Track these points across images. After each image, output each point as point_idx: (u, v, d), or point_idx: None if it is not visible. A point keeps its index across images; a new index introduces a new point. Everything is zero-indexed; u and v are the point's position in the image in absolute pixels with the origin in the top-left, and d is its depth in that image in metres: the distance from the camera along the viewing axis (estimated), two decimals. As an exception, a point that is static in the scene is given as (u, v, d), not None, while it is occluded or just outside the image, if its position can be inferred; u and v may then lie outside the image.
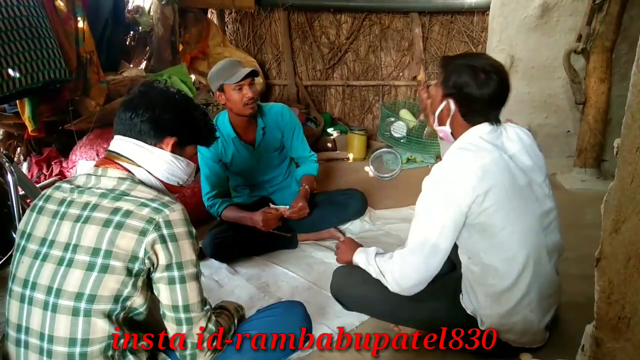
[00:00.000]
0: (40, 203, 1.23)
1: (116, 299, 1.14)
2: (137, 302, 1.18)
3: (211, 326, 1.25)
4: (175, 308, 1.19)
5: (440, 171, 1.49)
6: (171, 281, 1.18)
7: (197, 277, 1.23)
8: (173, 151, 1.32)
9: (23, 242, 1.20)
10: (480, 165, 1.43)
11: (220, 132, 2.55)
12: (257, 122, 2.58)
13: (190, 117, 1.35)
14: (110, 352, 1.15)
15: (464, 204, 1.43)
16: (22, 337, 1.15)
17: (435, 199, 1.47)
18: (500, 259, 1.49)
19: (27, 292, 1.15)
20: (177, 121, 1.31)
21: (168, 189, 1.35)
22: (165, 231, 1.15)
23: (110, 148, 1.31)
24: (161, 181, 1.32)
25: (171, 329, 1.22)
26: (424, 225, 1.49)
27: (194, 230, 1.23)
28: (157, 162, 1.29)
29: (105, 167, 1.25)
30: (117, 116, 1.31)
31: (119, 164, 1.27)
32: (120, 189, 1.21)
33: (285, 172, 2.82)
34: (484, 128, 1.52)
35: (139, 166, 1.28)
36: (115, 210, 1.15)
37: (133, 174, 1.27)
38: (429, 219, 1.48)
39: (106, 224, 1.14)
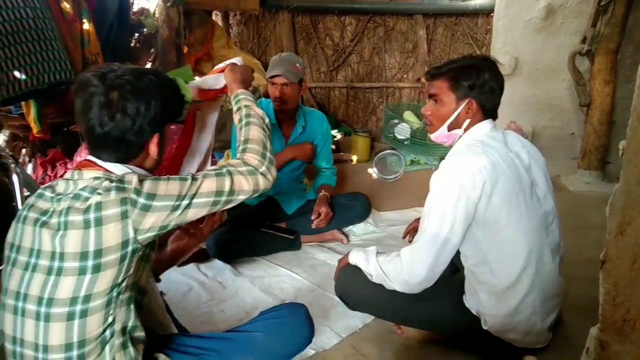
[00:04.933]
0: (25, 213, 1.19)
1: (112, 287, 1.12)
2: (131, 279, 1.16)
3: (259, 170, 1.27)
4: (218, 194, 1.21)
5: (449, 167, 1.51)
6: (187, 207, 1.17)
7: (201, 185, 1.19)
8: (159, 142, 1.26)
9: (13, 255, 1.17)
10: (489, 160, 1.47)
11: None
12: (297, 120, 2.67)
13: (164, 100, 1.24)
14: (107, 341, 1.13)
15: (475, 196, 1.45)
16: (17, 349, 1.14)
17: (446, 194, 1.48)
18: (503, 255, 1.50)
19: (20, 304, 1.13)
20: (156, 117, 1.22)
21: None
22: (141, 199, 1.12)
23: (97, 163, 1.22)
24: None
25: None
26: (435, 220, 1.49)
27: (153, 177, 1.20)
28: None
29: (81, 169, 1.20)
30: (95, 139, 1.20)
31: (98, 165, 1.21)
32: (90, 185, 1.14)
33: (298, 177, 2.89)
34: (486, 125, 1.59)
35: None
36: (87, 209, 1.11)
37: (110, 172, 1.20)
38: (440, 214, 1.48)
39: (86, 225, 1.10)
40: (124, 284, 1.14)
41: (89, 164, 1.22)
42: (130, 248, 1.12)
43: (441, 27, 4.81)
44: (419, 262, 1.50)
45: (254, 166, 1.28)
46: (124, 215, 1.11)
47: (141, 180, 1.15)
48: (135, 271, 1.17)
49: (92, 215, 1.10)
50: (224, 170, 1.24)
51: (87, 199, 1.12)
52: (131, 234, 1.11)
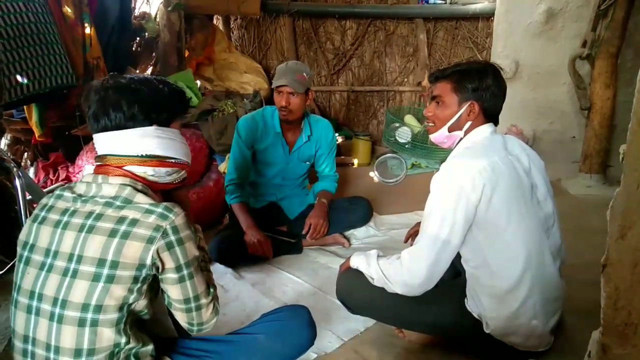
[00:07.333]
0: (43, 213, 1.21)
1: (121, 307, 1.14)
2: (141, 304, 1.19)
3: (217, 305, 1.32)
4: (186, 301, 1.23)
5: (450, 169, 1.52)
6: (181, 280, 1.21)
7: (200, 267, 1.26)
8: None
9: (26, 253, 1.19)
10: (489, 162, 1.47)
11: (265, 122, 2.61)
12: (303, 128, 2.65)
13: (160, 96, 1.29)
14: (114, 355, 1.15)
15: (474, 198, 1.45)
16: (29, 347, 1.16)
17: (446, 196, 1.48)
18: (503, 258, 1.51)
19: (34, 304, 1.15)
20: (150, 108, 1.25)
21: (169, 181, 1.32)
22: (172, 237, 1.16)
23: (99, 152, 1.27)
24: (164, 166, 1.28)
25: (181, 317, 1.27)
26: (435, 222, 1.49)
27: (193, 229, 1.25)
28: (146, 141, 1.24)
29: (106, 174, 1.22)
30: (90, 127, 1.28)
31: (117, 167, 1.23)
32: (122, 195, 1.19)
33: (301, 182, 2.89)
34: (487, 129, 1.60)
35: (133, 156, 1.23)
36: (121, 220, 1.14)
37: (135, 178, 1.23)
38: (440, 216, 1.49)
39: (112, 234, 1.13)
40: (133, 306, 1.17)
41: (108, 167, 1.24)
42: (144, 272, 1.15)
43: (442, 31, 4.82)
44: (419, 263, 1.50)
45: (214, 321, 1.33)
46: (150, 240, 1.14)
47: (186, 223, 1.19)
48: (147, 301, 1.21)
49: (123, 227, 1.14)
50: (212, 294, 1.31)
51: (120, 208, 1.16)
52: (148, 261, 1.14)
